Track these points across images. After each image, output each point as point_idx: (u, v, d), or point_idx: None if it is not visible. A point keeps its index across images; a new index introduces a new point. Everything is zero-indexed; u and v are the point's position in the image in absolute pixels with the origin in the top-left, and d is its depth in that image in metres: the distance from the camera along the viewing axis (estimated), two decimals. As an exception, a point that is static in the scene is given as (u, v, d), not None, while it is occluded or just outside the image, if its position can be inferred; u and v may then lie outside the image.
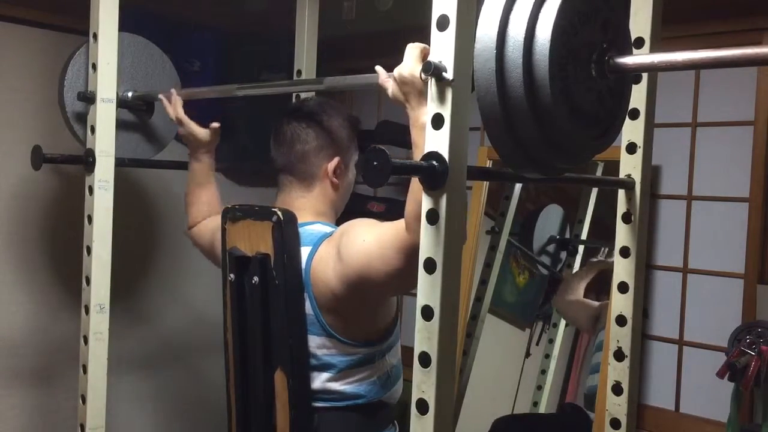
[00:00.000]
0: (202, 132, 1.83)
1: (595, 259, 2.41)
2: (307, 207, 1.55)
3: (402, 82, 1.22)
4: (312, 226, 1.52)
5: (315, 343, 1.46)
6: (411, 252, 1.24)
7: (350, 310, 1.44)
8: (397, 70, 1.24)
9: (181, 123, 1.81)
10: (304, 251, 1.46)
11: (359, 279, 1.36)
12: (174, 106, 1.82)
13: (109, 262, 1.70)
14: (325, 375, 1.47)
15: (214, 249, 1.74)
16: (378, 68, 1.33)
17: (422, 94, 1.16)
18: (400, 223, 1.27)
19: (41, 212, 2.25)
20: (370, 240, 1.34)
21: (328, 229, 1.51)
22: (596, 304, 2.33)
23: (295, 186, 1.57)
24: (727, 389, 1.81)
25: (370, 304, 1.45)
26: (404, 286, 1.40)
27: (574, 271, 2.48)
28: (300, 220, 1.50)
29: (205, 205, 1.86)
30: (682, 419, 2.07)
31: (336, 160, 1.56)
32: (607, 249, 2.33)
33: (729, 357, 1.77)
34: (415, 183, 1.18)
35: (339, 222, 1.53)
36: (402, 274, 1.29)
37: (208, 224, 1.82)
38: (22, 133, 2.18)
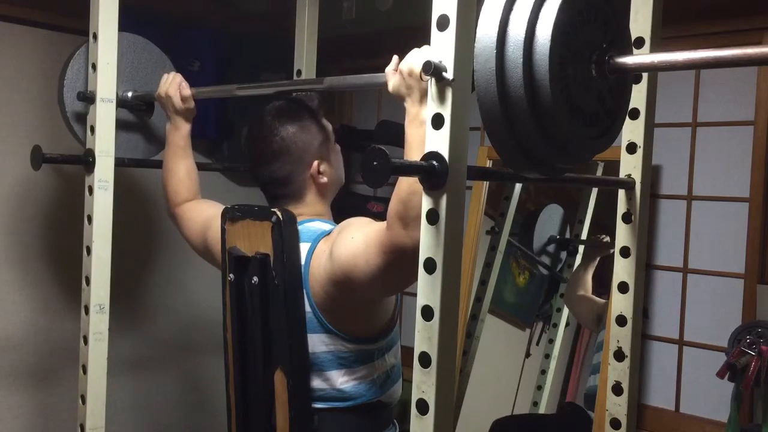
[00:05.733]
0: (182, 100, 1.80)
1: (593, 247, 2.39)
2: (304, 212, 1.55)
3: (409, 74, 1.21)
4: (311, 223, 1.52)
5: (314, 340, 1.46)
6: (389, 249, 1.23)
7: (342, 308, 1.44)
8: (404, 63, 1.23)
9: (187, 99, 1.79)
10: (304, 247, 1.46)
11: (345, 276, 1.36)
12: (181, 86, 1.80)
13: (109, 262, 1.70)
14: (325, 374, 1.47)
15: (207, 241, 1.70)
16: (395, 57, 1.30)
17: (425, 90, 1.16)
18: (385, 222, 1.26)
19: (41, 212, 2.25)
20: (358, 237, 1.34)
21: (327, 226, 1.51)
22: (601, 301, 2.32)
23: (287, 199, 1.56)
24: (727, 389, 1.81)
25: (360, 303, 1.44)
26: (389, 286, 1.39)
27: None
28: (299, 219, 1.50)
29: (184, 181, 1.82)
30: (682, 419, 2.07)
31: (315, 163, 1.54)
32: (608, 238, 2.32)
33: (729, 357, 1.77)
34: (401, 182, 1.18)
35: (337, 220, 1.53)
36: (382, 271, 1.28)
37: (202, 212, 1.76)
38: (22, 133, 2.17)
